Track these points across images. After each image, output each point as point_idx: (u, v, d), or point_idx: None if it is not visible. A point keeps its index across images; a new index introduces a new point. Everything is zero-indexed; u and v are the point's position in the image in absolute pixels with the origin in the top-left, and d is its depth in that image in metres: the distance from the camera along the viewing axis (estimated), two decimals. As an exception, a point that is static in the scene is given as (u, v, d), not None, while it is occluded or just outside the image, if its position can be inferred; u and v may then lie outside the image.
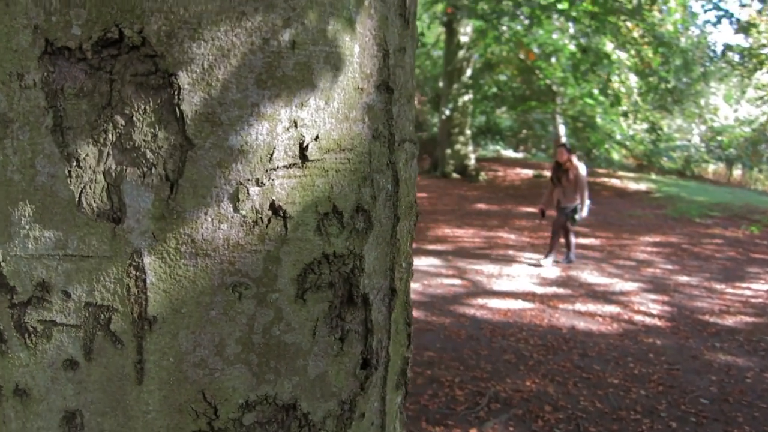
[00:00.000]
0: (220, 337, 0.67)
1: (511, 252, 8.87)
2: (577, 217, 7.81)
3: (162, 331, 0.65)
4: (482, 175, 15.81)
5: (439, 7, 12.47)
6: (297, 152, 0.66)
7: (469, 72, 14.94)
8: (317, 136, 0.67)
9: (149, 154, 0.61)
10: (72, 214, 0.62)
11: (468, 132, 15.95)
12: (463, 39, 14.64)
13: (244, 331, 0.68)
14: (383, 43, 0.73)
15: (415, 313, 5.96)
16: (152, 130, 0.61)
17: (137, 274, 0.63)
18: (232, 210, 0.64)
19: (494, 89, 15.88)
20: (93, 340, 0.65)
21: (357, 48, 0.70)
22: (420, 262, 7.99)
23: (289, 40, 0.63)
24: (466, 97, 15.25)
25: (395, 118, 0.78)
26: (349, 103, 0.70)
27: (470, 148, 16.15)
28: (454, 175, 15.61)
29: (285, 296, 0.69)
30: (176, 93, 0.60)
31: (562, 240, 8.04)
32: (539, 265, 7.87)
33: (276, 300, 0.68)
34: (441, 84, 16.36)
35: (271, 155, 0.64)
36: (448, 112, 14.94)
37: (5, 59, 0.60)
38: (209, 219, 0.64)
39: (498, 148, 20.25)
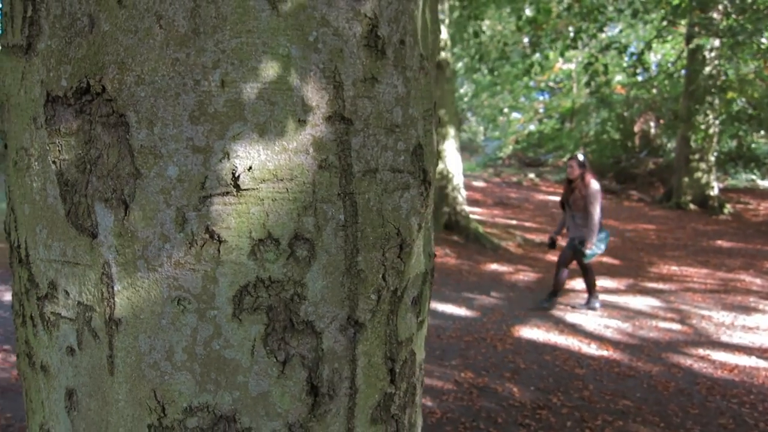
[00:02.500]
0: (170, 344, 0.75)
1: (752, 299, 7.43)
2: (587, 251, 6.04)
3: (126, 332, 0.76)
4: (727, 208, 13.57)
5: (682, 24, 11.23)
6: (230, 181, 0.72)
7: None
8: (250, 167, 0.72)
9: (111, 182, 0.73)
10: (67, 228, 0.77)
11: (711, 158, 13.89)
12: (709, 54, 12.89)
13: (189, 342, 0.75)
14: (335, 75, 0.75)
15: (617, 356, 5.41)
16: (114, 161, 0.72)
17: (108, 281, 0.76)
18: (174, 231, 0.73)
19: (749, 110, 13.55)
20: (82, 333, 0.79)
21: (296, 82, 0.73)
22: (634, 301, 7.22)
23: (218, 80, 0.70)
24: (710, 119, 13.35)
25: (357, 148, 0.78)
26: (287, 135, 0.73)
27: (713, 176, 14.02)
28: (692, 206, 13.70)
29: (223, 314, 0.74)
30: (126, 130, 0.71)
31: (583, 280, 6.40)
32: (544, 308, 6.53)
33: (215, 317, 0.74)
34: (681, 104, 14.59)
35: (203, 184, 0.71)
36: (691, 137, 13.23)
37: (29, 107, 0.78)
38: (156, 238, 0.73)
39: (753, 177, 17.13)
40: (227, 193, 0.72)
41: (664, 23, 10.94)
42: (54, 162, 0.76)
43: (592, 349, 5.60)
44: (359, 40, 0.76)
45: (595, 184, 6.09)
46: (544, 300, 6.84)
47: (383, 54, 0.79)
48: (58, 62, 0.73)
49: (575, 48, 10.87)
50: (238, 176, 0.72)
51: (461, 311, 6.90)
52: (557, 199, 16.47)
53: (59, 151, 0.75)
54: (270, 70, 0.71)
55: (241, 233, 0.73)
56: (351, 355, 0.81)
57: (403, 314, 0.89)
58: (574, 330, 6.12)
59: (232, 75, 0.70)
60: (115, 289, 0.76)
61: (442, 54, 10.12)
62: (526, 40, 12.28)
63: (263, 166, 0.72)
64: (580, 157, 6.39)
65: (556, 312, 6.72)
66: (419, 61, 0.88)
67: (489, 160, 20.98)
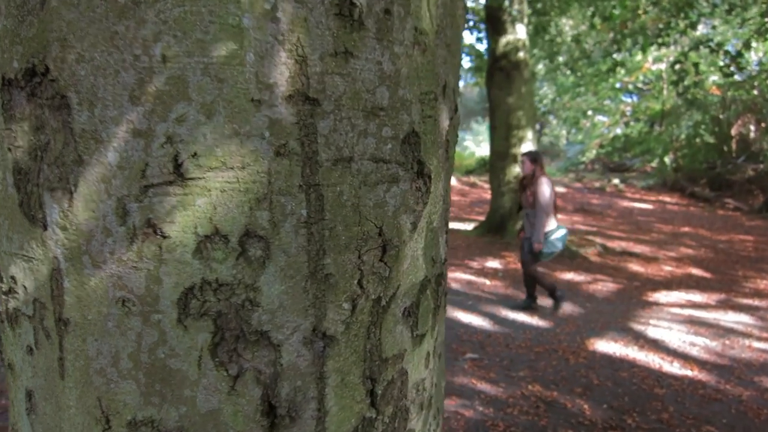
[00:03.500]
0: (116, 349, 0.68)
1: None
2: (544, 250, 5.83)
3: (75, 333, 0.70)
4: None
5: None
6: (172, 169, 0.63)
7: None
8: (195, 153, 0.63)
9: (56, 170, 0.67)
10: (22, 220, 0.72)
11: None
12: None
13: (134, 348, 0.67)
14: (298, 48, 0.64)
15: (703, 377, 4.96)
16: (60, 147, 0.66)
17: (57, 277, 0.70)
18: (116, 225, 0.65)
19: None
20: (38, 332, 0.74)
21: (251, 56, 0.63)
22: (725, 318, 6.62)
23: (159, 55, 0.62)
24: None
25: (326, 133, 0.67)
26: (238, 116, 0.63)
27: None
28: (799, 216, 12.42)
29: (168, 319, 0.66)
30: (69, 112, 0.64)
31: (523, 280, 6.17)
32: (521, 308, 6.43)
33: (159, 321, 0.66)
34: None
35: (144, 172, 0.63)
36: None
37: (-10, 93, 0.74)
38: (99, 232, 0.66)
39: None
40: (170, 182, 0.64)
41: (767, 20, 9.99)
42: (9, 149, 0.71)
43: (674, 367, 5.16)
44: (328, 8, 0.66)
45: (544, 181, 5.97)
46: (551, 307, 6.70)
47: (361, 25, 0.68)
48: (11, 43, 0.69)
49: (661, 45, 10.15)
50: (182, 163, 0.63)
51: (532, 320, 6.61)
52: (643, 206, 15.52)
53: (14, 137, 0.70)
54: (218, 42, 0.62)
55: (185, 228, 0.64)
56: (318, 372, 0.70)
57: (390, 327, 0.78)
58: (656, 346, 5.68)
59: (174, 49, 0.62)
60: (64, 286, 0.69)
61: (520, 54, 9.78)
62: (611, 36, 11.63)
63: (210, 152, 0.63)
64: (533, 153, 6.35)
65: (637, 326, 6.27)
66: (413, 35, 0.76)
67: (571, 164, 20.12)
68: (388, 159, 0.73)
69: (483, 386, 4.98)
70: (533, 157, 6.18)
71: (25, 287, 0.74)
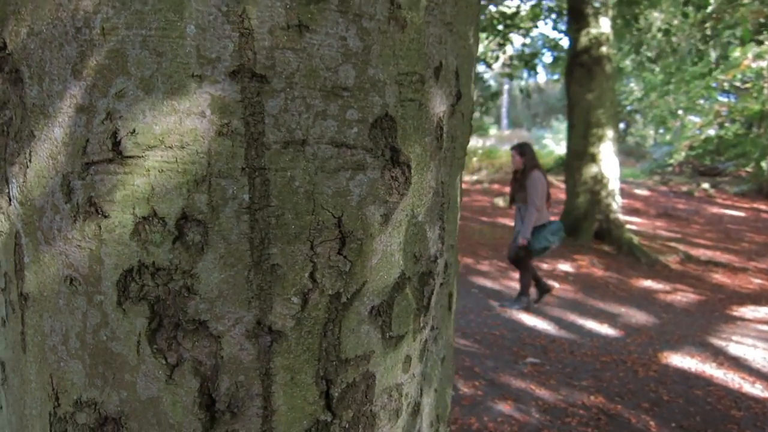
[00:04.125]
0: (66, 327, 0.67)
1: None
2: (536, 245, 5.70)
3: (33, 309, 0.70)
4: None
5: None
6: (111, 146, 0.61)
7: None
8: (134, 130, 0.60)
9: (15, 144, 0.67)
10: (-6, 194, 0.73)
11: None
12: None
13: (80, 328, 0.66)
14: (243, 19, 0.60)
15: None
16: (19, 122, 0.66)
17: (19, 252, 0.70)
18: (62, 202, 0.64)
19: None
20: (7, 305, 0.74)
21: (191, 28, 0.59)
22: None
23: (99, 27, 0.59)
24: None
25: (275, 113, 0.62)
26: (178, 92, 0.60)
27: None
28: None
29: (109, 300, 0.64)
30: (21, 87, 0.64)
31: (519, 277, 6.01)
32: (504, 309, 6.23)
33: (101, 303, 0.64)
34: None
35: (85, 148, 0.61)
36: None
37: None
38: (48, 208, 0.65)
39: None
40: (110, 160, 0.61)
41: None
42: (-18, 124, 0.72)
43: (756, 389, 4.73)
44: (280, -23, 0.61)
45: (536, 174, 5.77)
46: (533, 300, 6.56)
47: (319, -5, 0.63)
48: (-21, 17, 0.69)
49: (761, 42, 9.28)
50: (120, 141, 0.61)
51: (601, 328, 6.29)
52: (734, 213, 14.35)
53: (-12, 112, 0.71)
54: (157, 14, 0.59)
55: (124, 208, 0.62)
56: (264, 368, 0.66)
57: (353, 326, 0.72)
58: (737, 364, 5.23)
59: (113, 20, 0.59)
60: (24, 261, 0.70)
61: (602, 49, 9.29)
62: (705, 27, 10.77)
63: (149, 129, 0.61)
64: (520, 145, 6.07)
65: (717, 341, 5.81)
66: (388, 9, 0.69)
67: (657, 166, 18.96)
68: (353, 144, 0.68)
69: (542, 392, 4.79)
70: (521, 151, 5.94)
71: None
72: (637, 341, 5.91)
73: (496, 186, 16.17)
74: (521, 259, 6.17)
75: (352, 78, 0.67)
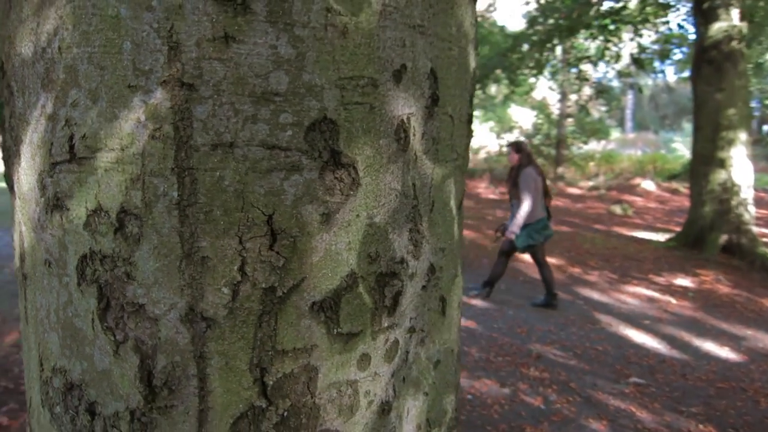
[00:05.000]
0: (48, 303, 0.78)
1: None
2: (519, 242, 5.89)
3: (30, 286, 0.82)
4: None
5: None
6: (67, 149, 0.70)
7: None
8: (84, 135, 0.69)
9: (14, 148, 0.79)
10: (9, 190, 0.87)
11: None
12: None
13: (56, 304, 0.77)
14: (171, 34, 0.66)
15: None
16: (10, 130, 0.79)
17: (21, 238, 0.83)
18: (39, 196, 0.75)
19: None
20: (19, 282, 0.88)
21: (127, 44, 0.67)
22: None
23: (57, 46, 0.69)
24: None
25: (203, 118, 0.68)
26: (118, 101, 0.68)
27: None
28: None
29: (72, 282, 0.74)
30: (13, 100, 0.76)
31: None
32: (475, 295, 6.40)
33: (68, 284, 0.74)
34: None
35: (50, 151, 0.71)
36: None
37: None
38: (33, 201, 0.77)
39: None
40: (69, 161, 0.71)
41: None
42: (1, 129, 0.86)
43: None
44: (208, -8, 0.66)
45: (528, 171, 5.86)
46: (476, 286, 6.71)
47: (246, 9, 0.68)
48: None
49: None
50: (74, 144, 0.70)
51: (721, 351, 5.71)
52: None
53: (4, 119, 0.85)
54: (99, 33, 0.68)
55: (79, 202, 0.72)
56: (199, 351, 0.72)
57: (292, 320, 0.76)
58: None
59: (67, 41, 0.69)
60: (24, 246, 0.82)
61: (734, 44, 8.40)
62: None
63: (95, 134, 0.69)
64: (517, 143, 6.20)
65: None
66: (324, 17, 0.72)
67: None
68: (287, 146, 0.72)
69: (643, 415, 4.46)
70: (518, 148, 6.08)
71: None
72: (762, 368, 5.28)
73: (613, 193, 15.23)
74: (504, 251, 6.40)
75: (284, 84, 0.71)
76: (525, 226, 5.99)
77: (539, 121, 17.81)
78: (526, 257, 9.29)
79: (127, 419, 0.74)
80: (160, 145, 0.68)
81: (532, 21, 11.27)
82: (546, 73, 14.46)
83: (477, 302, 6.80)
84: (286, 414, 0.76)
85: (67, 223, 0.73)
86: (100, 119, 0.69)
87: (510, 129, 19.31)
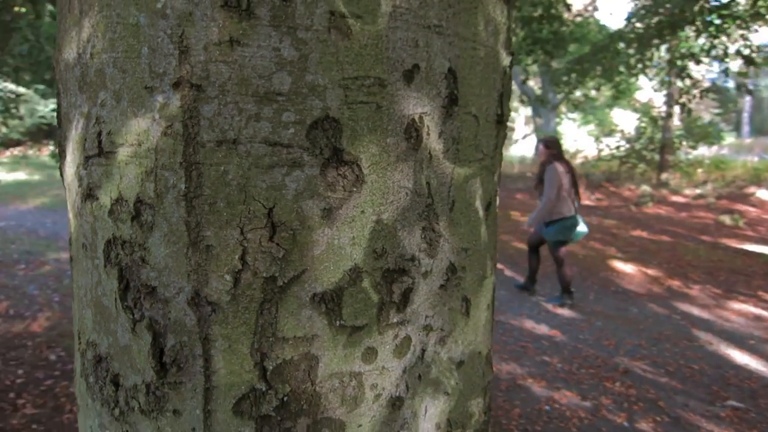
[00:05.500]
0: (85, 282, 0.88)
1: None
2: (551, 238, 5.91)
3: (75, 267, 0.93)
4: None
5: None
6: (97, 144, 0.78)
7: None
8: (110, 132, 0.77)
9: (62, 142, 0.90)
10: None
11: None
12: None
13: (90, 284, 0.86)
14: (182, 39, 0.72)
15: None
16: (60, 128, 0.89)
17: (69, 223, 0.93)
18: (77, 186, 0.84)
19: None
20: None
21: (145, 50, 0.73)
22: None
23: (90, 52, 0.77)
24: None
25: (210, 117, 0.73)
26: (137, 101, 0.74)
27: None
28: None
29: (101, 264, 0.82)
30: (60, 101, 0.86)
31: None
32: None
33: (98, 266, 0.83)
34: None
35: (84, 146, 0.80)
36: None
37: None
38: (74, 191, 0.86)
39: None
40: (97, 154, 0.79)
41: None
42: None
43: None
44: (214, 1, 0.71)
45: (554, 166, 5.93)
46: (520, 284, 6.89)
47: (251, 14, 0.72)
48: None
49: None
50: (102, 140, 0.78)
51: None
52: None
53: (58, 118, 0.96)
54: (122, 39, 0.75)
55: (105, 192, 0.79)
56: (204, 333, 0.77)
57: (292, 309, 0.79)
58: None
59: (97, 47, 0.77)
60: (71, 231, 0.92)
61: None
62: None
63: (118, 131, 0.77)
64: (548, 138, 6.27)
65: None
66: (327, 20, 0.75)
67: None
68: (288, 143, 0.75)
69: (737, 444, 4.10)
70: (547, 143, 6.15)
71: None
72: None
73: (723, 202, 14.02)
74: (532, 246, 6.48)
75: (287, 84, 0.75)
76: (556, 221, 6.08)
77: (642, 124, 16.80)
78: (618, 265, 8.81)
79: (144, 392, 0.81)
80: (171, 141, 0.74)
81: (636, 17, 10.66)
82: (649, 73, 13.62)
83: (563, 311, 6.56)
84: (285, 399, 0.80)
85: (96, 210, 0.82)
86: (122, 117, 0.77)
87: (610, 132, 18.37)
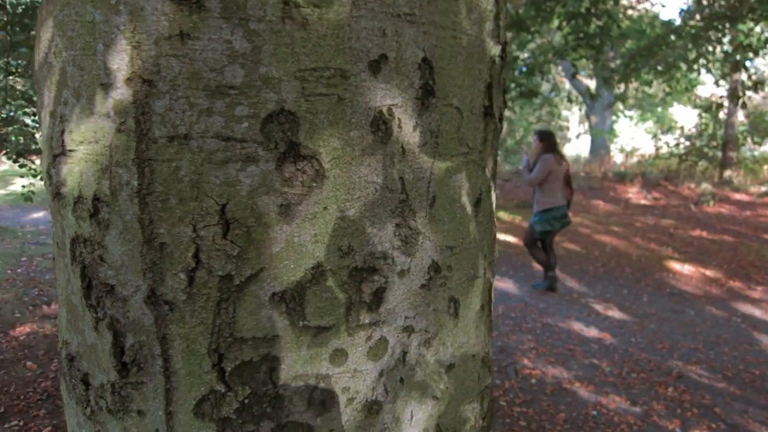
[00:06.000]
0: (62, 281, 0.89)
1: None
2: (538, 228, 6.15)
3: (56, 265, 0.94)
4: None
5: None
6: (59, 143, 0.79)
7: None
8: (71, 130, 0.77)
9: (43, 141, 0.91)
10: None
11: None
12: None
13: (63, 282, 0.87)
14: (134, 35, 0.71)
15: None
16: (41, 128, 0.90)
17: (51, 220, 0.94)
18: (48, 185, 0.85)
19: None
20: (60, 265, 1.01)
21: (101, 46, 0.73)
22: None
23: (53, 51, 0.77)
24: None
25: (161, 112, 0.72)
26: (94, 98, 0.74)
27: None
28: None
29: (69, 262, 0.82)
30: (38, 102, 0.87)
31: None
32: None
33: (67, 265, 0.83)
34: None
35: (51, 144, 0.80)
36: None
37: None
38: (48, 190, 0.87)
39: None
40: (62, 153, 0.80)
41: None
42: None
43: None
44: (166, -7, 0.70)
45: (546, 158, 6.12)
46: (538, 282, 6.91)
47: (201, 7, 0.71)
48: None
49: None
50: (64, 138, 0.78)
51: None
52: None
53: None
54: (80, 37, 0.75)
55: (69, 191, 0.80)
56: (162, 333, 0.76)
57: (251, 309, 0.77)
58: None
59: (59, 46, 0.77)
60: (52, 229, 0.94)
61: None
62: None
63: (78, 129, 0.77)
64: (542, 131, 6.45)
65: None
66: (281, 10, 0.73)
67: None
68: (242, 138, 0.73)
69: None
70: (541, 136, 6.33)
71: None
72: None
73: (794, 199, 13.14)
74: (529, 242, 6.56)
75: (240, 77, 0.73)
76: (545, 211, 6.26)
77: (703, 121, 16.00)
78: (674, 265, 8.42)
79: (110, 391, 0.81)
80: (125, 138, 0.74)
81: (691, 13, 10.14)
82: (712, 68, 12.94)
83: (614, 313, 6.31)
84: (246, 401, 0.78)
85: (62, 208, 0.82)
86: (81, 115, 0.77)
87: (669, 129, 17.59)
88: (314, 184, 0.77)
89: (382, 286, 0.86)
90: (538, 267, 7.34)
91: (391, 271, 0.87)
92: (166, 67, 0.72)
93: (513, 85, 10.18)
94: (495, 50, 1.02)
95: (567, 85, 20.03)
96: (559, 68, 17.92)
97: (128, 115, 0.74)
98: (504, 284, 7.18)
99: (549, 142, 6.34)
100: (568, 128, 26.81)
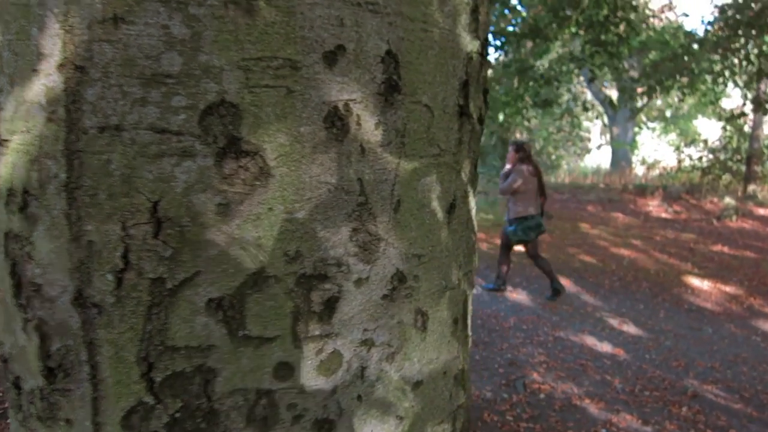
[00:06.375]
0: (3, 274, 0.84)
1: None
2: (513, 237, 6.42)
3: None
4: None
5: None
6: None
7: None
8: (5, 119, 0.73)
9: None
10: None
11: None
12: None
13: (1, 280, 0.82)
14: (67, 18, 0.66)
15: None
16: None
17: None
18: None
19: None
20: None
21: (35, 30, 0.68)
22: None
23: None
24: None
25: (93, 101, 0.67)
26: (26, 86, 0.70)
27: None
28: None
29: (3, 257, 0.78)
30: None
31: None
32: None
33: (2, 260, 0.79)
34: None
35: None
36: None
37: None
38: None
39: None
40: (1, 144, 0.75)
41: None
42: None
43: None
44: (97, -26, 0.66)
45: (520, 168, 6.34)
46: (488, 284, 7.08)
47: (136, -10, 0.66)
48: None
49: None
50: (1, 128, 0.74)
51: None
52: None
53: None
54: (15, 21, 0.70)
55: (3, 183, 0.75)
56: (89, 337, 0.71)
57: (185, 315, 0.71)
58: None
59: None
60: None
61: None
62: None
63: (11, 118, 0.72)
64: (518, 142, 6.69)
65: None
66: (226, -7, 0.68)
67: None
68: (178, 130, 0.68)
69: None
70: (516, 147, 6.54)
71: None
72: None
73: (823, 216, 12.74)
74: (503, 245, 6.76)
75: (178, 65, 0.68)
76: (520, 221, 6.45)
77: (728, 134, 15.65)
78: (693, 281, 8.22)
79: (39, 397, 0.76)
80: (54, 128, 0.69)
81: (717, 21, 9.92)
82: (739, 81, 12.65)
83: (629, 329, 6.17)
84: (177, 415, 0.72)
85: (-1, 202, 0.78)
86: (15, 103, 0.73)
87: (692, 142, 17.25)
88: (258, 183, 0.72)
89: (335, 295, 0.80)
90: (546, 279, 7.22)
91: (346, 279, 0.81)
92: (99, 53, 0.67)
93: (530, 94, 10.07)
94: (472, 46, 0.96)
95: (589, 95, 19.78)
96: (581, 78, 17.70)
97: (59, 103, 0.69)
98: (517, 296, 7.06)
99: (524, 153, 6.59)
100: (589, 139, 26.47)
